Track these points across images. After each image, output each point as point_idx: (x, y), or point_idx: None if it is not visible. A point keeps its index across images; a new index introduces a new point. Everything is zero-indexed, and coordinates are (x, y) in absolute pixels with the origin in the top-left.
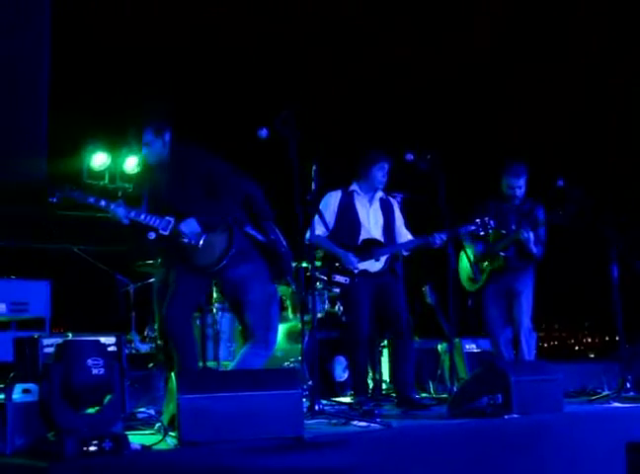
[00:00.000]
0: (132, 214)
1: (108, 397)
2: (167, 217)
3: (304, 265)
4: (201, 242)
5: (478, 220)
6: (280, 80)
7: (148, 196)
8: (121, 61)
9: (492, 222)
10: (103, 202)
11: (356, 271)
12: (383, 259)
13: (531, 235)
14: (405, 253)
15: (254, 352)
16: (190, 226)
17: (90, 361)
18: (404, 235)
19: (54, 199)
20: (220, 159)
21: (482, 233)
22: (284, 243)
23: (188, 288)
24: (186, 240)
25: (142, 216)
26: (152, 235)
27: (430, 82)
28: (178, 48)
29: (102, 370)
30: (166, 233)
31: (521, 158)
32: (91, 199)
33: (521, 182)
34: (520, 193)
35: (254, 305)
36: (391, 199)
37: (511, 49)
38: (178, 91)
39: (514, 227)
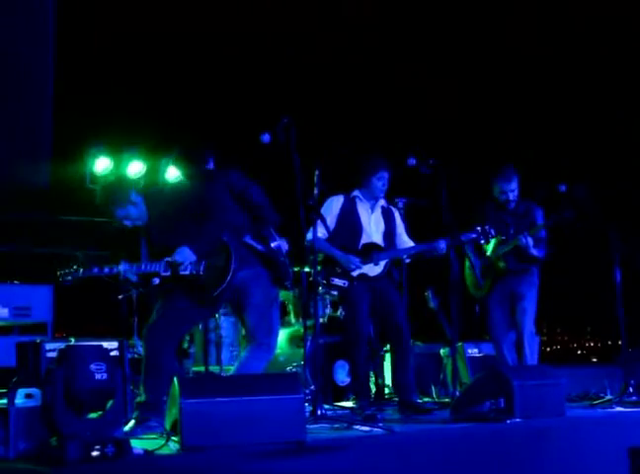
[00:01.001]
0: (135, 268)
1: (110, 402)
2: (164, 259)
3: (306, 269)
4: (202, 268)
5: (479, 228)
6: (284, 84)
7: (145, 245)
8: (125, 66)
9: (492, 231)
10: (107, 270)
11: (356, 272)
12: (382, 263)
13: (530, 240)
14: (407, 260)
15: (255, 355)
16: (183, 255)
17: (93, 366)
18: (405, 242)
19: (69, 282)
20: (195, 184)
21: (483, 242)
22: (284, 251)
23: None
24: (187, 272)
25: (143, 266)
26: (156, 280)
27: (433, 87)
28: (182, 53)
29: (104, 375)
30: (167, 273)
31: (517, 161)
32: (95, 270)
33: (513, 185)
34: (513, 196)
35: (255, 308)
36: (392, 208)
37: (513, 52)
38: (183, 94)
39: (512, 231)
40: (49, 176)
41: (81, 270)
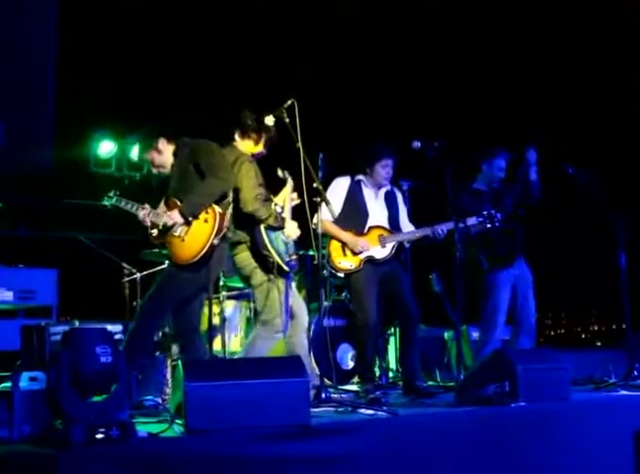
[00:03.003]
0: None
1: (114, 385)
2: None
3: (311, 253)
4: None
5: (485, 212)
6: (288, 67)
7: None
8: (128, 48)
9: (499, 215)
10: (131, 206)
11: (364, 255)
12: (389, 246)
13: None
14: (407, 245)
15: (259, 334)
16: (172, 216)
17: (98, 349)
18: (407, 227)
19: (107, 205)
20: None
21: (489, 225)
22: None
23: None
24: (177, 233)
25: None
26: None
27: (440, 69)
28: (185, 34)
29: (109, 358)
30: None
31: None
32: (125, 204)
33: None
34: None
35: (256, 289)
36: (396, 191)
37: (522, 31)
38: (184, 78)
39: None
40: (53, 160)
41: (115, 198)
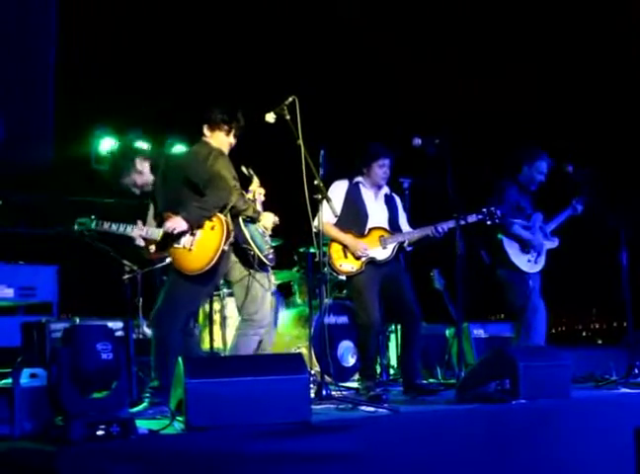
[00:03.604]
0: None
1: (115, 382)
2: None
3: (312, 250)
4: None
5: (485, 209)
6: (288, 64)
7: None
8: (129, 44)
9: (499, 211)
10: (120, 227)
11: (364, 257)
12: (390, 248)
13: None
14: (408, 248)
15: (242, 332)
16: (175, 222)
17: (99, 346)
18: (407, 230)
19: (81, 229)
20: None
21: (489, 222)
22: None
23: None
24: (180, 245)
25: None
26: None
27: (438, 66)
28: (188, 31)
29: (110, 355)
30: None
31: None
32: (112, 226)
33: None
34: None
35: (235, 285)
36: (394, 195)
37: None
38: (188, 73)
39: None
40: (53, 157)
41: (94, 222)
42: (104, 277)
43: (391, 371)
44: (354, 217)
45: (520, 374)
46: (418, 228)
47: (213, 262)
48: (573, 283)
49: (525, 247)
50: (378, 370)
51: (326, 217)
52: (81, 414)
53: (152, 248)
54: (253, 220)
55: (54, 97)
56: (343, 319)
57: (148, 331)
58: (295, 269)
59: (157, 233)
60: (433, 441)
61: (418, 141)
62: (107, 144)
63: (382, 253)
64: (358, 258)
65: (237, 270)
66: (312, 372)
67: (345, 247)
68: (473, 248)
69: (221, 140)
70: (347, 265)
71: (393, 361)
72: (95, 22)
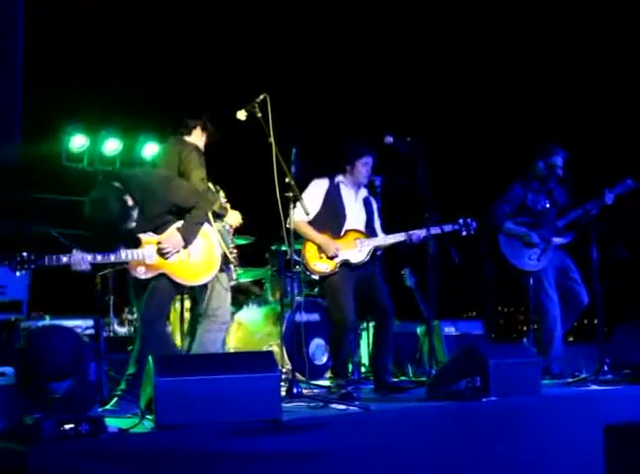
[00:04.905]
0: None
1: (84, 380)
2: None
3: (283, 248)
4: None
5: (461, 220)
6: (261, 63)
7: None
8: (99, 39)
9: (474, 223)
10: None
11: (339, 258)
12: (366, 251)
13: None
14: (378, 252)
15: (206, 328)
16: (173, 242)
17: (61, 345)
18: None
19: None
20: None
21: (464, 234)
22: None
23: None
24: (175, 259)
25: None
26: (142, 271)
27: (414, 64)
28: (159, 28)
29: (73, 354)
30: (152, 260)
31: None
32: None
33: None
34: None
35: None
36: (372, 199)
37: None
38: (158, 70)
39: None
40: (22, 154)
41: (32, 257)
42: (75, 276)
43: (362, 369)
44: (331, 218)
45: (491, 372)
46: (392, 234)
47: (218, 266)
48: None
49: (526, 241)
50: (350, 368)
51: (298, 216)
52: (49, 413)
53: (141, 269)
54: (219, 216)
55: (24, 95)
56: (314, 316)
57: (119, 329)
58: (267, 267)
59: (139, 255)
60: (403, 439)
61: (389, 139)
62: (78, 141)
63: (357, 256)
64: (331, 258)
65: None
66: (283, 370)
67: (319, 247)
68: (444, 246)
69: (198, 138)
70: (321, 265)
71: (365, 360)
72: (64, 18)
